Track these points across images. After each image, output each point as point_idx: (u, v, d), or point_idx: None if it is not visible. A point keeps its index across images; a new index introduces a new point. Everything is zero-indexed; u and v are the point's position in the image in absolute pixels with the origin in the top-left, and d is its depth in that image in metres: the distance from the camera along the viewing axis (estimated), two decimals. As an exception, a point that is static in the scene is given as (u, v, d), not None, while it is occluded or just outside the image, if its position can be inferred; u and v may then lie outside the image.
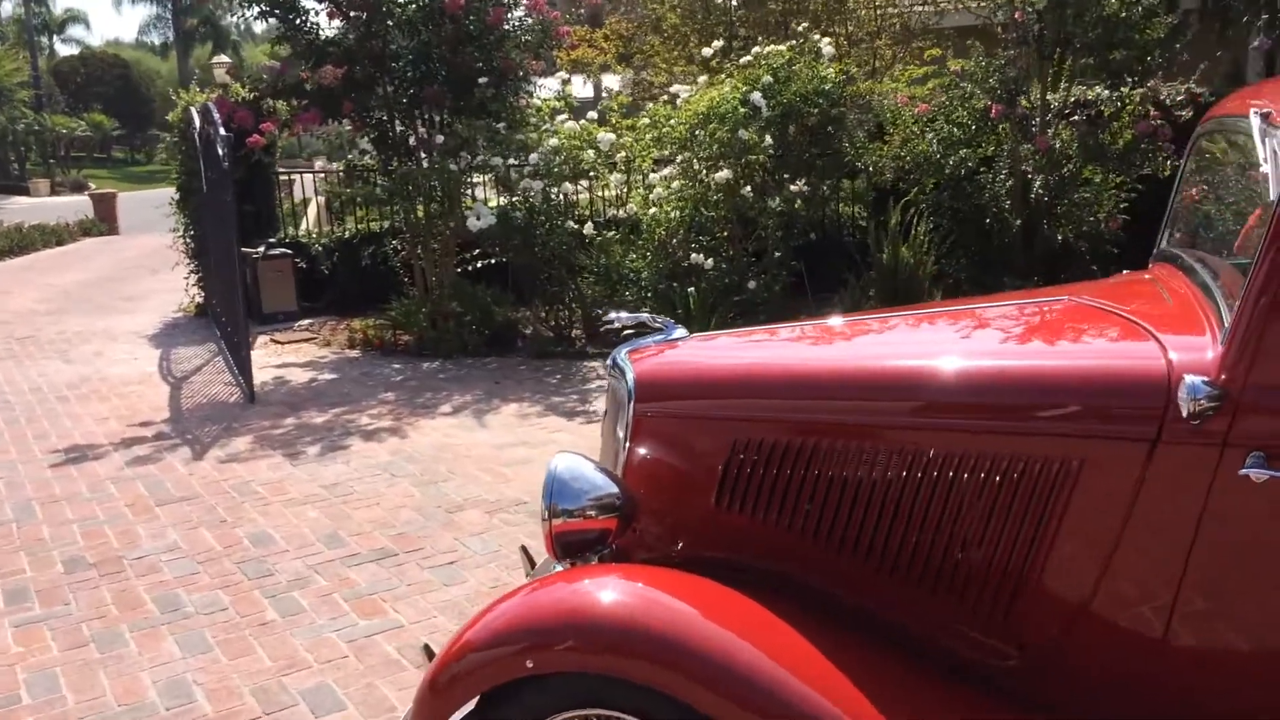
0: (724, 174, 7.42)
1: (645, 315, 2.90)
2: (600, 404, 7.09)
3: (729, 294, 7.97)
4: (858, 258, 8.48)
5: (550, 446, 6.07)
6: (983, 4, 7.37)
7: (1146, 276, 2.70)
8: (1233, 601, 2.05)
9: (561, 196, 8.78)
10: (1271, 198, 1.97)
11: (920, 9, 9.99)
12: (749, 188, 7.71)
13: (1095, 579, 2.10)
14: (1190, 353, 2.06)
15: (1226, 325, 2.03)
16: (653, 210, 7.95)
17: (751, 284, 7.88)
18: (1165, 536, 2.04)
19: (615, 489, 2.47)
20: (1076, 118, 7.19)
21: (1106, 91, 7.03)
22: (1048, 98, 7.26)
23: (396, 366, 8.46)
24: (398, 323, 9.14)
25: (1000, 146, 7.52)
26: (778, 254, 7.96)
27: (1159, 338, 2.14)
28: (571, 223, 8.56)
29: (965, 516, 2.22)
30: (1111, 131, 7.06)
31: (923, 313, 2.74)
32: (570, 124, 8.42)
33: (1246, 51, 8.67)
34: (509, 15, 8.87)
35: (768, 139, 7.38)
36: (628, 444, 2.59)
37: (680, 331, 2.82)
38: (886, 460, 2.29)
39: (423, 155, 8.80)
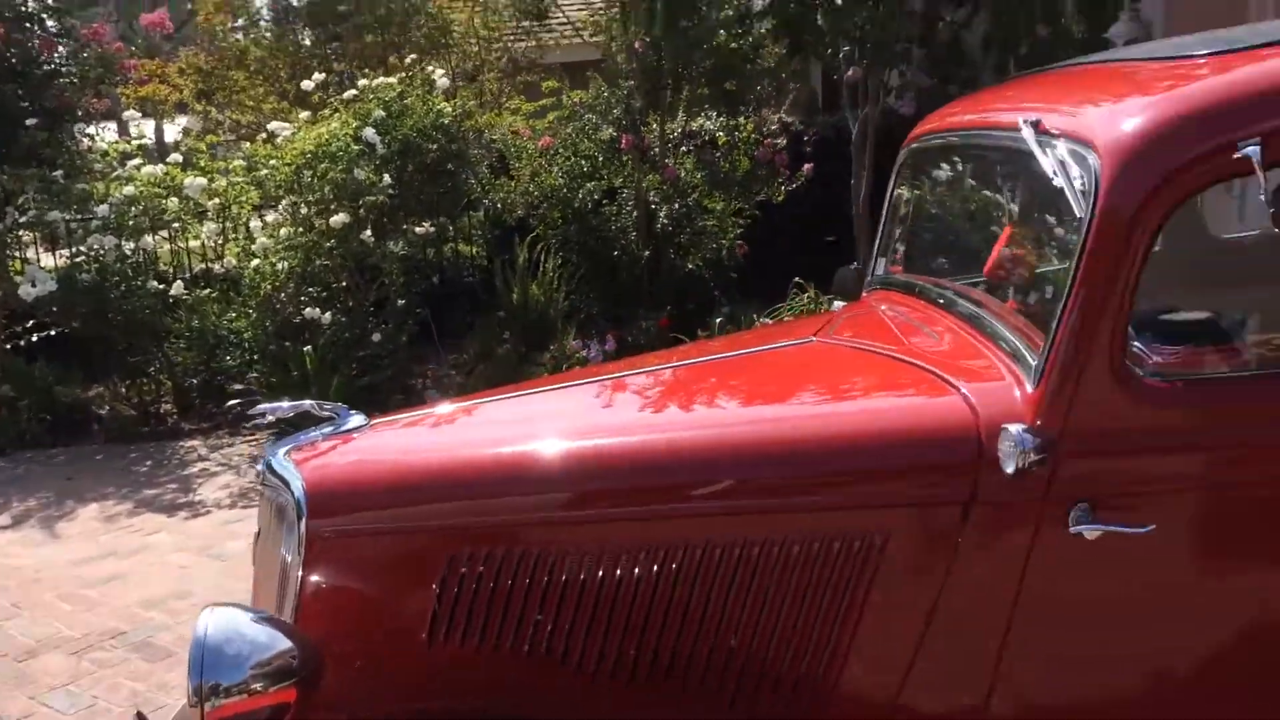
0: (340, 218, 6.67)
1: (309, 403, 2.22)
2: (209, 489, 6.07)
3: (350, 348, 7.19)
4: (484, 298, 8.03)
5: (147, 555, 5.02)
6: (599, 35, 7.24)
7: (881, 308, 2.45)
8: (1063, 672, 1.79)
9: (141, 253, 7.55)
10: (1078, 214, 1.72)
11: (524, 44, 9.78)
12: (368, 231, 7.00)
13: (905, 667, 1.75)
14: (994, 397, 1.78)
15: (1030, 361, 1.76)
16: (255, 262, 7.01)
17: (376, 336, 7.16)
18: (985, 608, 1.74)
19: (288, 644, 1.80)
20: (694, 147, 7.25)
21: (722, 120, 7.15)
22: (667, 127, 7.25)
23: (-67, 471, 6.81)
24: (-69, 414, 7.41)
25: (627, 178, 7.41)
26: (401, 302, 7.31)
27: (952, 382, 1.84)
28: (154, 282, 7.37)
29: (747, 615, 1.80)
30: (731, 160, 7.16)
31: (654, 369, 2.30)
32: (149, 169, 7.24)
33: (825, 81, 9.29)
34: (59, 47, 7.54)
35: (385, 178, 6.73)
36: (300, 575, 1.93)
37: (357, 419, 2.18)
38: (644, 557, 1.81)
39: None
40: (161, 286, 7.37)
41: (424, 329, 7.79)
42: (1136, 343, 1.76)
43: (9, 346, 7.58)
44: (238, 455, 6.81)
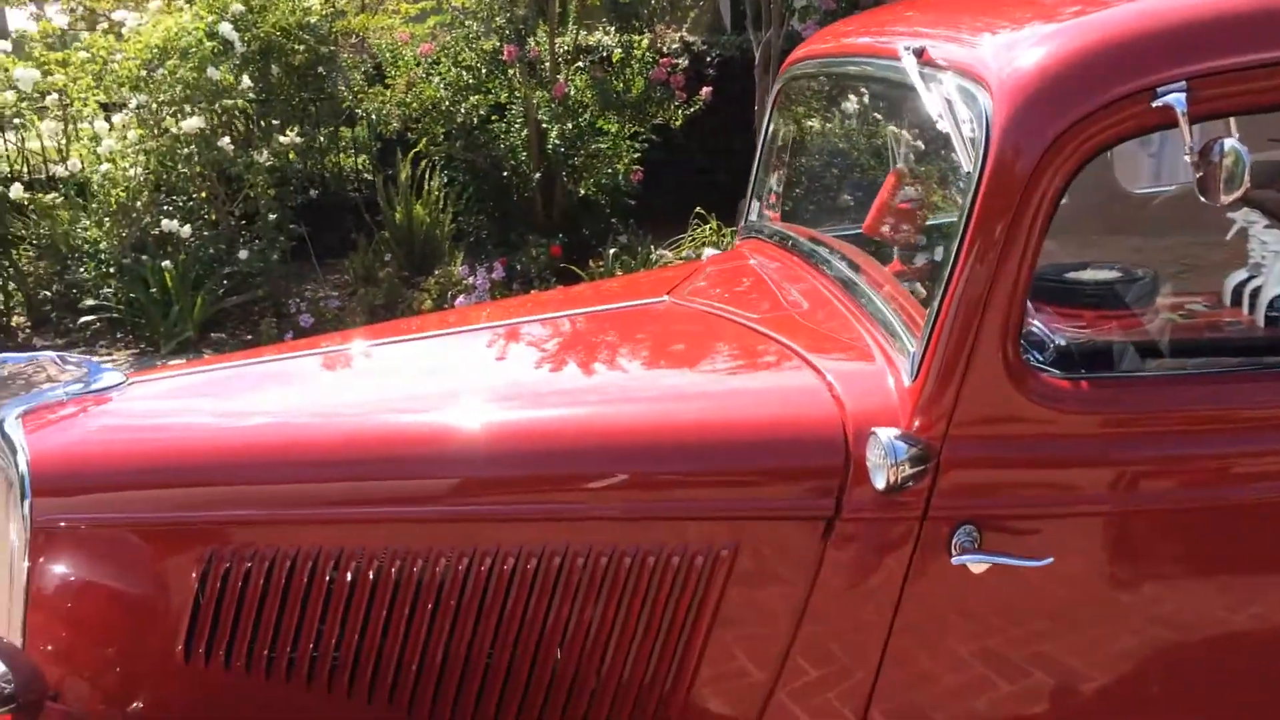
0: (194, 122, 6.09)
1: (48, 354, 1.83)
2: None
3: (216, 266, 6.68)
4: (367, 216, 7.53)
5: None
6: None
7: (751, 262, 2.13)
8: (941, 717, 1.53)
9: (-27, 151, 6.88)
10: (966, 167, 1.41)
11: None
12: (228, 138, 6.44)
13: (761, 700, 1.48)
14: (864, 388, 1.48)
15: (909, 346, 1.47)
16: (105, 166, 6.40)
17: (243, 253, 6.65)
18: (852, 643, 1.47)
19: (1, 666, 1.46)
20: (587, 64, 6.81)
21: (613, 36, 6.71)
22: (557, 40, 6.78)
23: None
24: None
25: (514, 93, 6.93)
26: (272, 216, 6.79)
27: (817, 366, 1.54)
28: (-6, 184, 6.72)
29: (570, 636, 1.51)
30: (624, 79, 6.74)
31: (477, 328, 1.96)
32: (-25, 59, 6.54)
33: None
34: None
35: (246, 80, 6.16)
36: (26, 570, 1.58)
37: (112, 376, 1.80)
38: (439, 563, 1.51)
39: None
40: (1, 190, 6.72)
41: (300, 246, 7.29)
42: (1036, 323, 1.48)
43: None
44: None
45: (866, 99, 1.97)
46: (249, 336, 6.59)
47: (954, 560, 1.38)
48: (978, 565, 1.38)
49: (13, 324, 7.07)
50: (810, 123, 2.26)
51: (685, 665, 1.47)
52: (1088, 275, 1.66)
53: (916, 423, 1.38)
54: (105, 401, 1.72)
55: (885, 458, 1.33)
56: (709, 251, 2.38)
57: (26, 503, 1.56)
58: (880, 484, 1.35)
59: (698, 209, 7.04)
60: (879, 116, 1.94)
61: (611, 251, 6.69)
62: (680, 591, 1.46)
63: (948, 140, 1.44)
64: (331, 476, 1.56)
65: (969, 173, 1.37)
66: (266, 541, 1.53)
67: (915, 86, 1.51)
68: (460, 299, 6.56)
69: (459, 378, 1.72)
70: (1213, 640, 1.49)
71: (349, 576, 1.54)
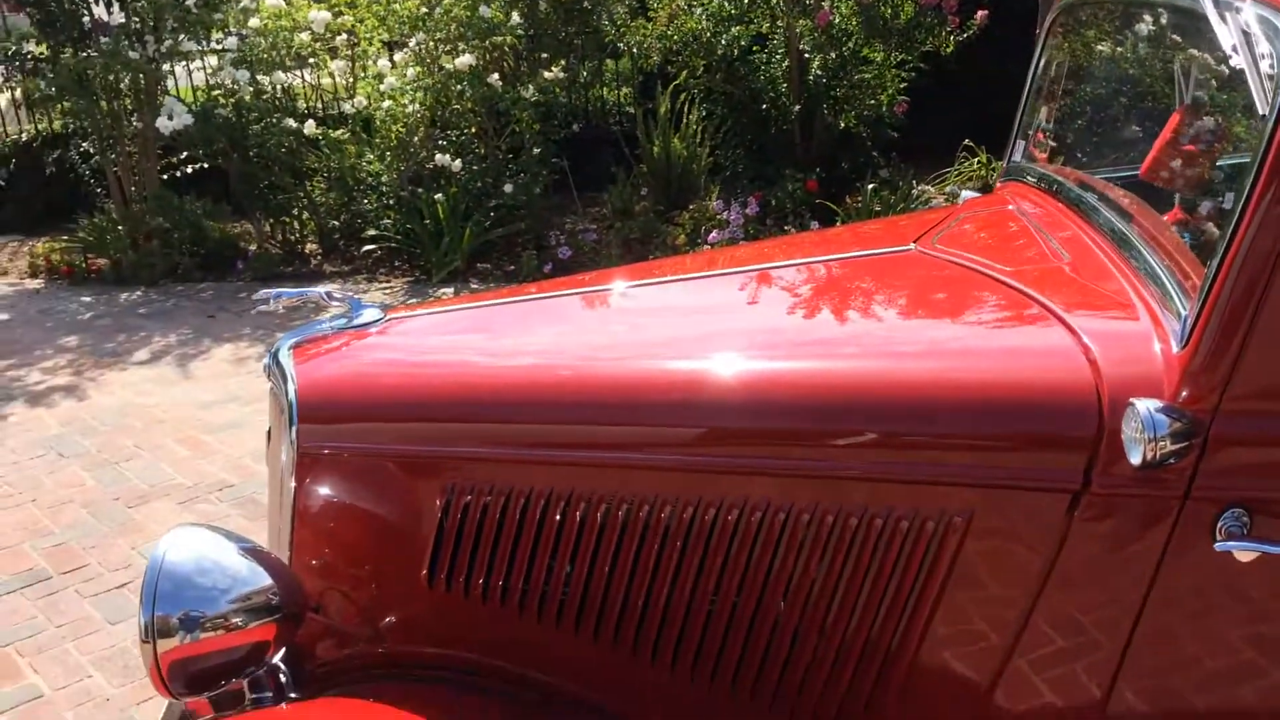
0: (466, 59, 6.34)
1: (317, 290, 1.96)
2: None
3: (483, 199, 6.98)
4: (626, 150, 7.63)
5: (266, 403, 5.02)
6: None
7: (1010, 208, 1.98)
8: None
9: (276, 89, 7.45)
10: (1261, 108, 1.24)
11: None
12: (497, 75, 6.67)
13: (984, 689, 1.41)
14: (1125, 354, 1.35)
15: (1180, 308, 1.32)
16: (387, 103, 6.80)
17: (508, 186, 6.92)
18: (1094, 626, 1.36)
19: (267, 580, 1.59)
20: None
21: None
22: (824, -34, 6.56)
23: (87, 300, 7.03)
24: (90, 244, 7.63)
25: (775, 23, 6.77)
26: (536, 150, 7.01)
27: (1074, 327, 1.41)
28: (290, 120, 7.27)
29: (793, 593, 1.48)
30: (892, 4, 6.43)
31: (715, 274, 1.93)
32: (273, 0, 7.05)
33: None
34: None
35: (515, 17, 6.34)
36: (294, 490, 1.71)
37: (371, 313, 1.91)
38: (673, 512, 1.50)
39: (102, 39, 7.23)
40: (296, 125, 7.27)
41: (562, 180, 7.50)
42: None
43: (164, 179, 7.69)
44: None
45: (1151, 29, 1.77)
46: (511, 267, 6.88)
47: (1218, 546, 1.24)
48: (1245, 554, 1.24)
49: (306, 250, 7.70)
50: (1087, 55, 2.06)
51: (912, 628, 1.41)
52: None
53: (1183, 394, 1.25)
54: (365, 336, 1.83)
55: (1143, 432, 1.20)
56: (966, 194, 2.23)
57: (294, 428, 1.68)
58: (1136, 460, 1.23)
59: (966, 141, 6.68)
60: (1164, 49, 1.73)
61: (870, 187, 6.47)
62: (909, 556, 1.39)
63: (1242, 76, 1.27)
64: (574, 419, 1.58)
65: (1264, 114, 1.20)
66: (506, 479, 1.58)
67: (1208, 16, 1.34)
68: (714, 234, 6.56)
69: (706, 324, 1.70)
70: None
71: (579, 517, 1.57)
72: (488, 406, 1.63)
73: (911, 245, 1.81)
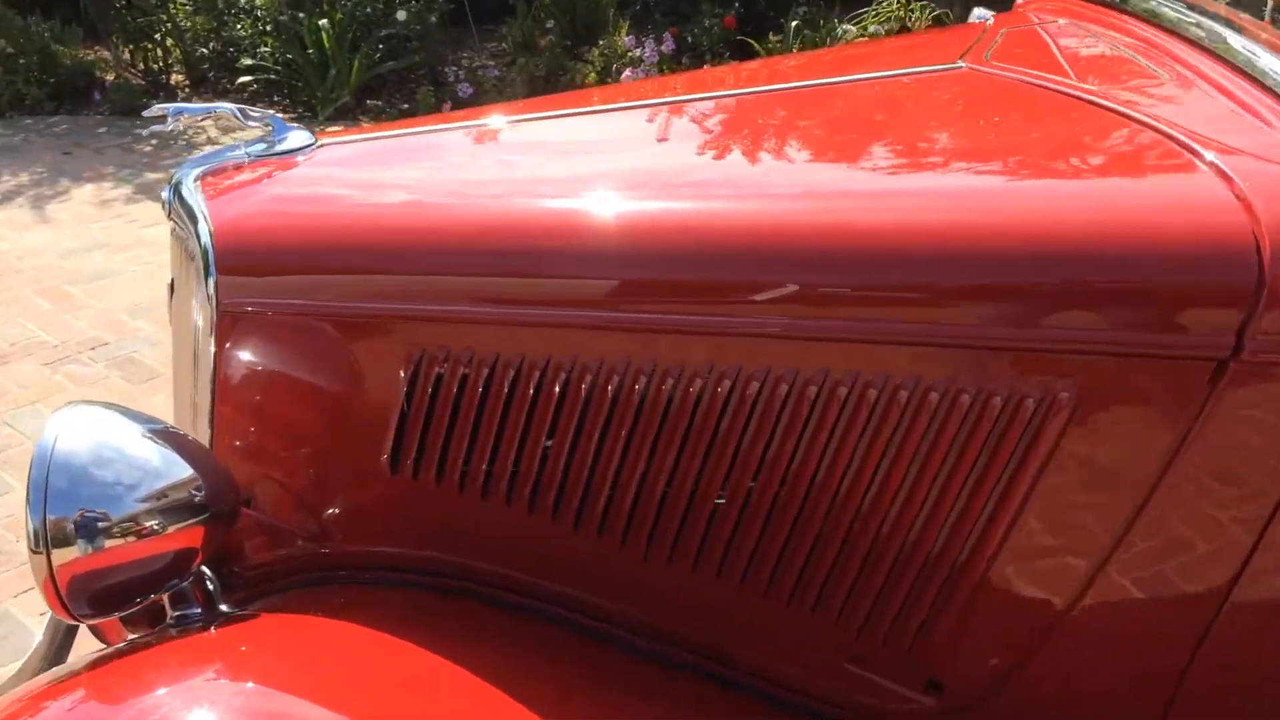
0: None
1: (229, 107, 1.55)
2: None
3: (373, 28, 6.36)
4: (528, -21, 7.05)
5: (141, 251, 4.50)
6: None
7: (1060, 21, 1.67)
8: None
9: (132, -108, 6.59)
10: None
11: None
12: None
13: (1087, 576, 1.18)
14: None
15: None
16: (259, -87, 6.06)
17: (401, 14, 6.31)
18: (1221, 518, 1.14)
19: (187, 471, 1.26)
20: None
21: None
22: None
23: (-81, 134, 6.24)
24: (-81, 70, 6.75)
25: None
26: (430, -25, 6.39)
27: (1208, 155, 1.15)
28: (148, -71, 6.45)
29: (862, 478, 1.21)
30: None
31: (740, 92, 1.59)
32: None
33: None
34: None
35: None
36: (214, 357, 1.37)
37: (299, 137, 1.52)
38: (711, 381, 1.22)
39: None
40: (157, -63, 6.46)
41: (458, 9, 6.90)
42: None
43: (1, -2, 6.81)
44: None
45: None
46: (405, 105, 6.34)
47: None
48: None
49: (171, 82, 6.97)
50: None
51: (991, 532, 1.17)
52: None
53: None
54: (293, 166, 1.46)
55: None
56: (980, 12, 1.91)
57: (211, 281, 1.33)
58: None
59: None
60: None
61: (793, 24, 6.09)
62: (998, 442, 1.14)
63: None
64: (573, 269, 1.26)
65: None
66: (491, 343, 1.28)
67: None
68: (627, 72, 6.13)
69: (745, 149, 1.37)
70: None
71: (585, 388, 1.27)
72: (465, 254, 1.30)
73: (960, 62, 1.50)
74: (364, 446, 1.35)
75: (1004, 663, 1.21)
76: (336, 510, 1.42)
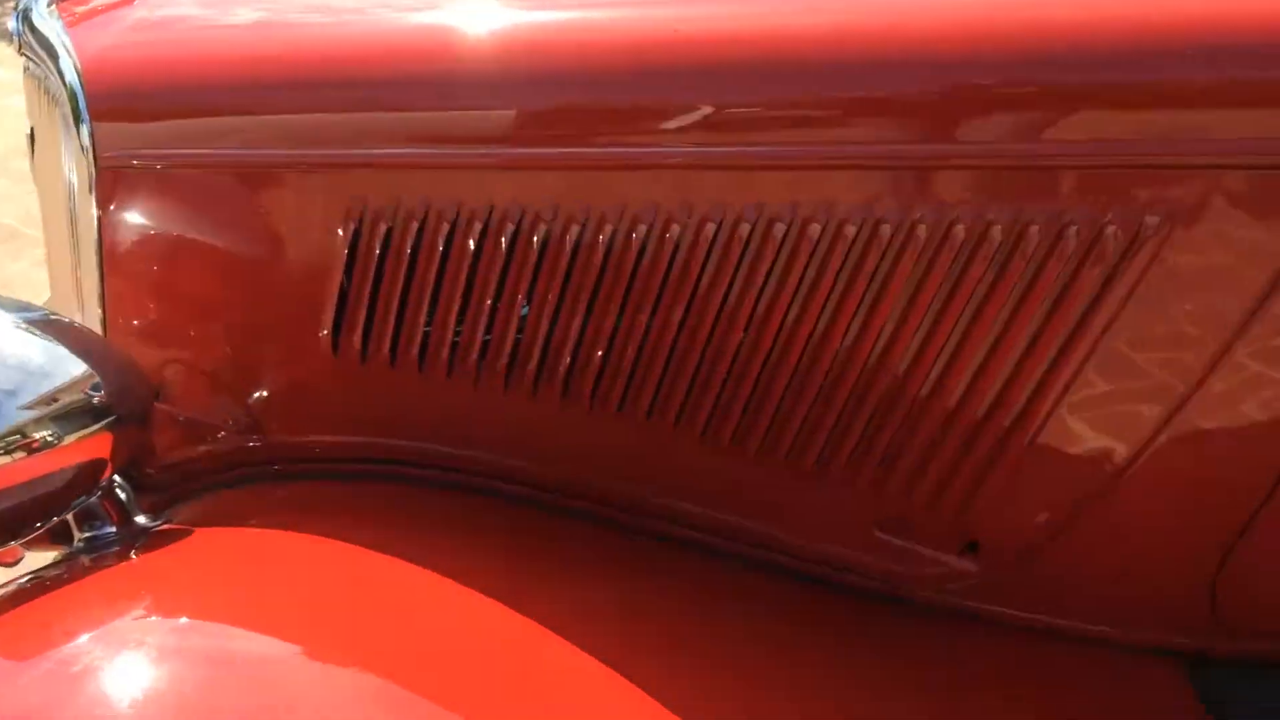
0: None
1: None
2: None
3: None
4: None
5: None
6: None
7: None
8: None
9: None
10: None
11: None
12: None
13: (1157, 423, 1.03)
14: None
15: None
16: None
17: None
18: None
19: (80, 368, 1.05)
20: None
21: None
22: None
23: None
24: None
25: None
26: None
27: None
28: None
29: (909, 324, 1.04)
30: None
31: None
32: None
33: None
34: None
35: None
36: (98, 223, 1.14)
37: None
38: (689, 220, 1.03)
39: None
40: None
41: None
42: None
43: None
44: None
45: None
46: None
47: None
48: None
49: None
50: None
51: (1050, 384, 1.02)
52: None
53: None
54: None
55: None
56: None
57: (84, 129, 1.07)
58: None
59: None
60: None
61: None
62: (1074, 277, 0.97)
63: None
64: (528, 97, 1.04)
65: None
66: (449, 191, 1.06)
67: None
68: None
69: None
70: None
71: (571, 240, 1.07)
72: (402, 84, 1.06)
73: None
74: (294, 321, 1.15)
75: (1053, 518, 1.09)
76: (264, 395, 1.21)
